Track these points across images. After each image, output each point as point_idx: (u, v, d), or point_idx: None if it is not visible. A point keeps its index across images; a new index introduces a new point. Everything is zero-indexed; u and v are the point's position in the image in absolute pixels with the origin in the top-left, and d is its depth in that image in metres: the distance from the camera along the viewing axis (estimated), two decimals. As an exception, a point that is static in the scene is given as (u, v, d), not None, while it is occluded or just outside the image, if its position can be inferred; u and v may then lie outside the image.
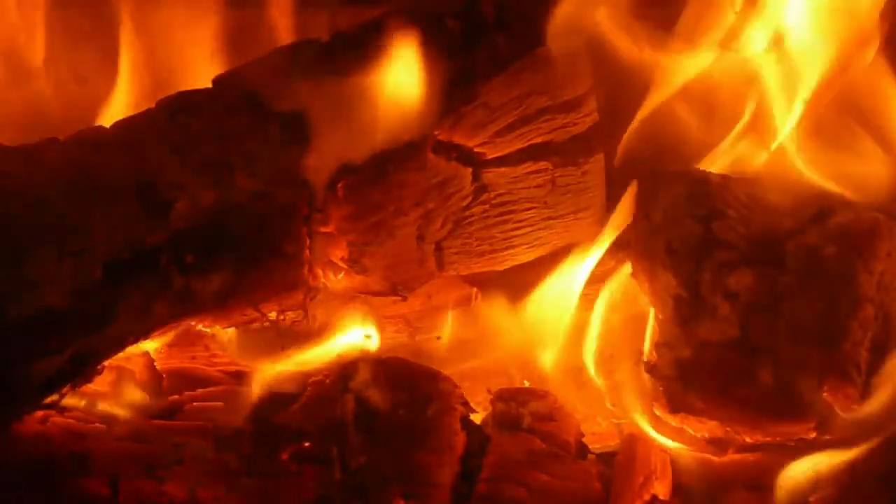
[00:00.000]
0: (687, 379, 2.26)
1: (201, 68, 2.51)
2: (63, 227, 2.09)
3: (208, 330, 2.37)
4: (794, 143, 2.48)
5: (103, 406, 2.24)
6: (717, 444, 2.30)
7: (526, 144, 2.40)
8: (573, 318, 2.43)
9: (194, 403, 2.28)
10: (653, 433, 2.31)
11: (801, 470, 2.18)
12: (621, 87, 2.52)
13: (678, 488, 2.26)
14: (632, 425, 2.35)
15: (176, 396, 2.30)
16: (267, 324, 2.32)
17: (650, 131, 2.51)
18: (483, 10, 2.38)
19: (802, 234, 2.32)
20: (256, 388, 2.26)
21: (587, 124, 2.43)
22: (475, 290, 2.52)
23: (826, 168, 2.45)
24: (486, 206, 2.39)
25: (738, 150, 2.49)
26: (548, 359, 2.43)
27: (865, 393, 2.23)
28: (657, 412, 2.31)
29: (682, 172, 2.42)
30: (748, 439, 2.28)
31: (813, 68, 2.47)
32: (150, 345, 2.31)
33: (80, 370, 2.13)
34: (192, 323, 2.27)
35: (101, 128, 2.27)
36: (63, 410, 2.18)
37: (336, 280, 2.31)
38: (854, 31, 2.46)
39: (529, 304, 2.42)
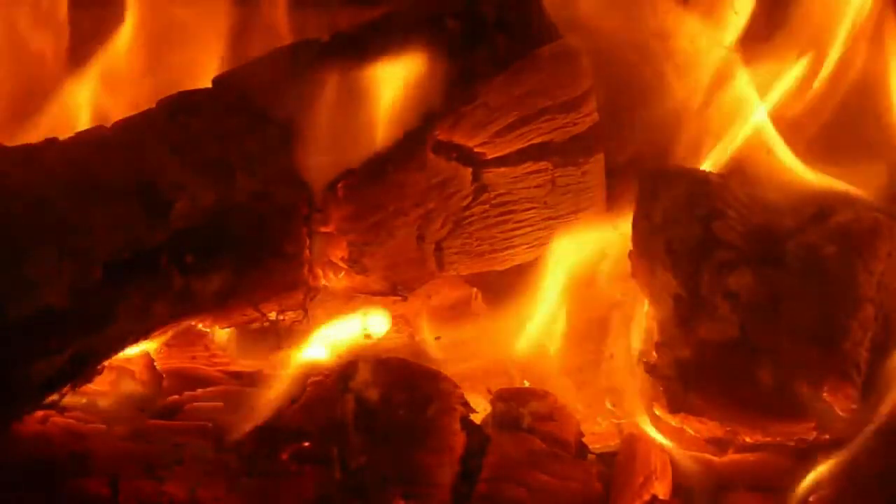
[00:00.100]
0: (687, 379, 2.26)
1: (206, 68, 2.52)
2: (63, 227, 2.09)
3: (208, 330, 2.37)
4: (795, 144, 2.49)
5: (103, 406, 2.24)
6: (717, 444, 2.30)
7: (526, 144, 2.40)
8: (573, 317, 2.44)
9: (194, 403, 2.28)
10: (653, 433, 2.31)
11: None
12: (621, 87, 2.53)
13: (678, 488, 2.26)
14: (632, 425, 2.35)
15: (176, 396, 2.30)
16: (267, 324, 2.32)
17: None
18: (483, 10, 2.38)
19: (802, 233, 2.32)
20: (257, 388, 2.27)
21: (587, 124, 2.43)
22: (475, 290, 2.52)
23: (826, 168, 2.45)
24: (486, 206, 2.39)
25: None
26: (548, 359, 2.43)
27: (865, 393, 2.23)
28: (657, 412, 2.31)
29: (683, 172, 2.42)
30: (748, 439, 2.28)
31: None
32: (150, 345, 2.31)
33: (80, 370, 2.13)
34: (192, 323, 2.27)
35: (101, 128, 2.27)
36: (63, 410, 2.18)
37: (336, 280, 2.31)
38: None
39: (528, 304, 2.42)
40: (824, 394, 2.21)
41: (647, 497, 2.20)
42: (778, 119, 2.52)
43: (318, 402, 2.22)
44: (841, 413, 2.21)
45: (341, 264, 2.29)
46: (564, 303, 2.42)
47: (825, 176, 2.44)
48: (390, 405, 2.21)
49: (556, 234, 2.43)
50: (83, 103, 2.56)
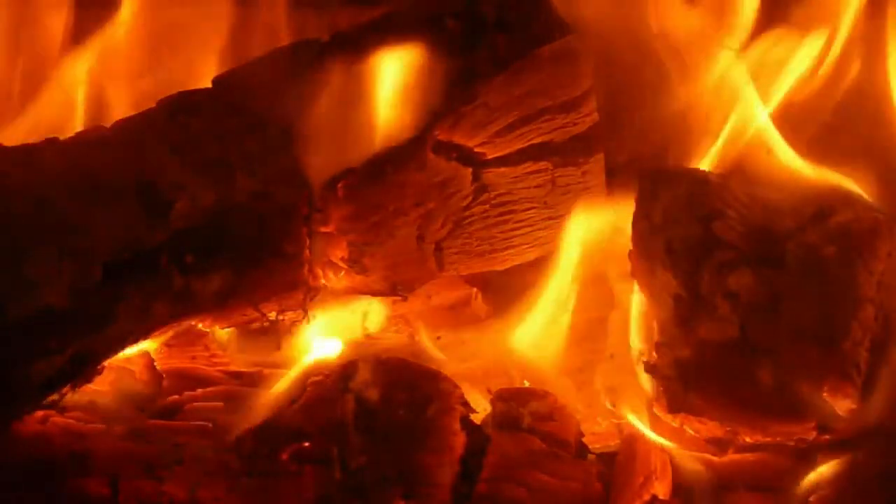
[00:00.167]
0: (687, 379, 2.26)
1: (206, 68, 2.52)
2: (63, 227, 2.09)
3: (208, 330, 2.37)
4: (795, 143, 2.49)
5: (103, 406, 2.24)
6: (717, 444, 2.30)
7: (526, 144, 2.40)
8: (573, 317, 2.44)
9: (194, 403, 2.28)
10: (653, 433, 2.31)
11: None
12: (621, 87, 2.53)
13: (678, 488, 2.26)
14: (632, 425, 2.35)
15: (176, 396, 2.30)
16: (267, 324, 2.32)
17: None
18: (483, 10, 2.38)
19: (802, 233, 2.32)
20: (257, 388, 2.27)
21: (587, 124, 2.43)
22: (475, 290, 2.52)
23: (826, 168, 2.45)
24: (486, 206, 2.39)
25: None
26: (548, 359, 2.43)
27: (865, 393, 2.23)
28: (657, 412, 2.31)
29: (682, 172, 2.42)
30: (748, 439, 2.27)
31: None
32: (150, 345, 2.32)
33: (80, 370, 2.13)
34: (192, 323, 2.27)
35: (101, 128, 2.27)
36: (63, 410, 2.18)
37: (336, 280, 2.31)
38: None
39: (528, 304, 2.42)
40: (824, 394, 2.21)
41: (647, 497, 2.20)
42: (788, 105, 2.52)
43: (318, 402, 2.22)
44: (841, 413, 2.21)
45: (341, 264, 2.29)
46: (570, 304, 2.42)
47: (825, 175, 2.44)
48: (390, 405, 2.21)
49: (557, 235, 2.43)
50: (81, 103, 2.57)
